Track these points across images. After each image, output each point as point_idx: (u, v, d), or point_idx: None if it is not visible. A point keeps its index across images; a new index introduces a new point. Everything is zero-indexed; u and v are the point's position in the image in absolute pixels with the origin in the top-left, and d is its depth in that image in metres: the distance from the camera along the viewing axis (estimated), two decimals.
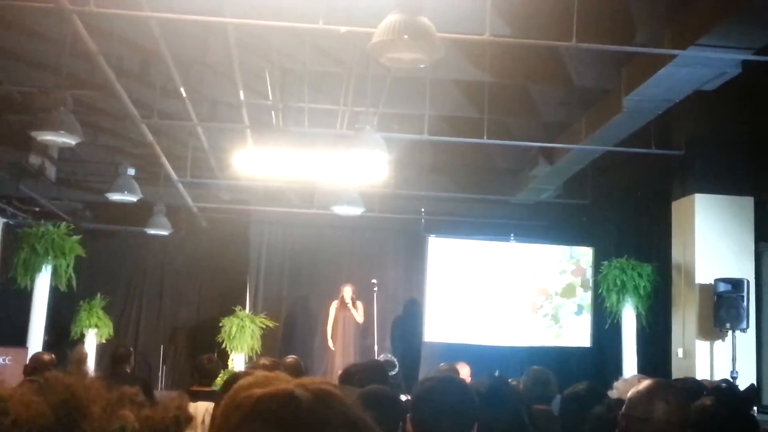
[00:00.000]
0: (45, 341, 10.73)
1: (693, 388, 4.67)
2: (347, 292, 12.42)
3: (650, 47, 7.33)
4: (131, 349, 8.17)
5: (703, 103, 8.87)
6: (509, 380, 7.14)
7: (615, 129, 9.15)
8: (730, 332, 9.37)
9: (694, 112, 9.40)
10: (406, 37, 5.21)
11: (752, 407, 3.43)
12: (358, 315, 12.36)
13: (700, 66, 7.21)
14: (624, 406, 2.83)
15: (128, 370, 7.65)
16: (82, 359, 0.92)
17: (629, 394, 2.86)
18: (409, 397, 3.01)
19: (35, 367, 5.88)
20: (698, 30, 6.66)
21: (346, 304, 12.33)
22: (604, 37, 7.12)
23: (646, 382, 2.84)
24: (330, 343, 12.46)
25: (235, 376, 3.31)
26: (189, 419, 0.85)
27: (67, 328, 12.73)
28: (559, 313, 13.21)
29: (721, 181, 9.87)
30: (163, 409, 0.85)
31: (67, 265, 11.05)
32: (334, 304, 12.49)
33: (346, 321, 12.27)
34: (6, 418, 0.79)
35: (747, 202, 9.90)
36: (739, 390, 5.92)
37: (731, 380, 7.94)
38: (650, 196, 11.63)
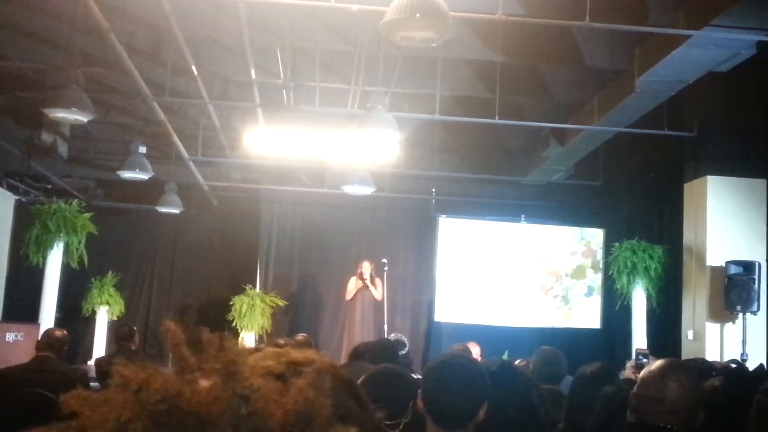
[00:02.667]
0: (57, 318, 10.79)
1: (703, 368, 4.67)
2: (366, 268, 12.26)
3: (664, 27, 7.28)
4: (134, 328, 8.22)
5: (717, 85, 8.82)
6: (519, 361, 7.17)
7: (627, 110, 9.11)
8: (740, 315, 9.35)
9: (708, 93, 9.35)
10: (417, 15, 5.20)
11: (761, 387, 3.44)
12: (377, 292, 12.22)
13: (713, 47, 7.16)
14: (636, 386, 2.83)
15: (132, 347, 7.72)
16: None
17: (641, 373, 2.85)
18: (420, 376, 3.01)
19: (47, 342, 5.91)
20: (712, 10, 6.61)
21: (365, 280, 12.20)
22: (617, 17, 7.07)
23: (658, 362, 2.83)
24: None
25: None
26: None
27: (78, 305, 12.81)
28: (569, 295, 13.20)
29: (733, 163, 9.82)
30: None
31: (79, 242, 11.09)
32: (353, 280, 12.39)
33: (364, 298, 12.20)
34: (243, 406, 0.77)
35: (760, 185, 9.85)
36: (749, 370, 5.92)
37: (740, 361, 7.93)
38: (662, 178, 11.58)
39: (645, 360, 5.57)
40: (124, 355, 6.60)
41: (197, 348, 0.85)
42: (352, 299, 12.25)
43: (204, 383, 0.78)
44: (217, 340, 0.84)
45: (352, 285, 12.31)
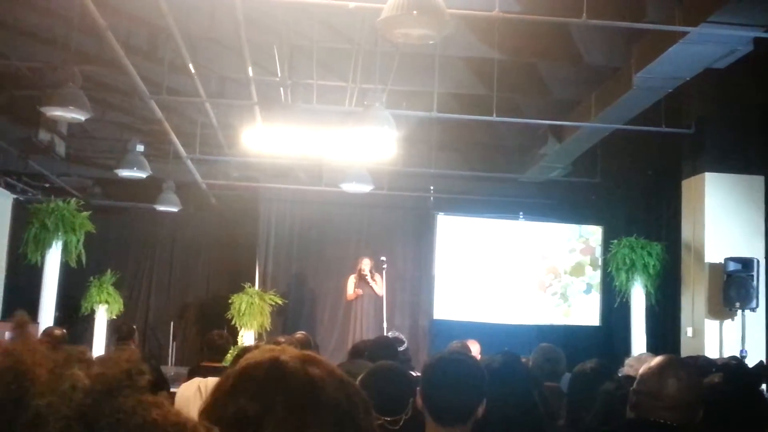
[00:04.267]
0: (56, 317, 10.78)
1: (704, 365, 4.67)
2: (366, 264, 12.20)
3: (661, 24, 7.27)
4: (134, 326, 8.23)
5: (714, 81, 8.82)
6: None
7: (625, 107, 9.10)
8: (739, 311, 9.35)
9: (705, 90, 9.34)
10: (415, 12, 5.19)
11: (761, 384, 3.43)
12: (378, 287, 12.14)
13: (711, 43, 7.15)
14: (635, 382, 2.83)
15: (133, 346, 7.72)
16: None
17: (641, 370, 2.86)
18: (419, 374, 3.01)
19: (47, 341, 5.89)
20: (710, 7, 6.60)
21: (365, 276, 12.13)
22: (614, 14, 7.07)
23: (658, 359, 2.84)
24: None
25: (245, 350, 3.32)
26: (141, 373, 0.84)
27: (77, 304, 12.79)
28: (568, 292, 13.21)
29: (731, 160, 9.81)
30: (114, 364, 0.83)
31: (77, 241, 11.07)
32: (351, 279, 12.35)
33: (364, 295, 12.16)
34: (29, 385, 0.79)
35: (758, 181, 9.84)
36: (748, 367, 5.92)
37: (740, 357, 7.93)
38: (660, 175, 11.58)
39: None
40: None
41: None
42: (352, 298, 12.21)
43: None
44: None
45: (351, 283, 12.27)
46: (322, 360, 1.26)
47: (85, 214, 11.32)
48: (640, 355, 5.29)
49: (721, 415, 3.02)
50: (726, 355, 8.79)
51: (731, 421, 3.13)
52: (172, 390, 4.92)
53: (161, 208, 12.79)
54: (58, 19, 8.06)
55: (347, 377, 1.25)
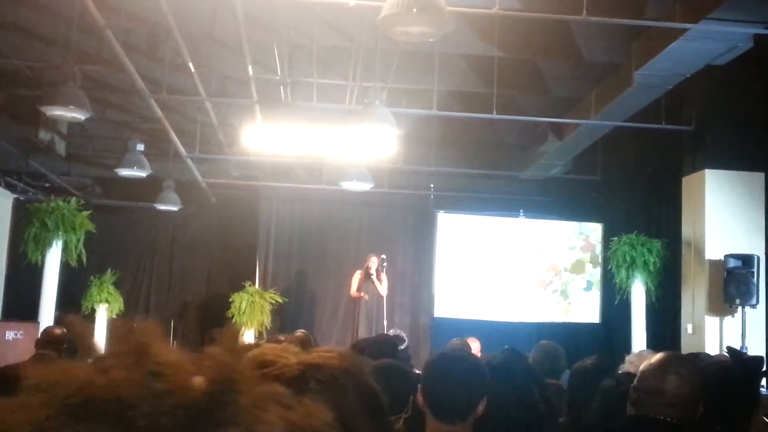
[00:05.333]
0: (56, 316, 10.78)
1: (705, 362, 4.67)
2: (373, 262, 12.04)
3: (661, 21, 7.28)
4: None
5: (714, 78, 8.82)
6: None
7: (625, 104, 9.10)
8: (739, 308, 9.35)
9: (705, 86, 9.34)
10: (414, 10, 5.19)
11: (760, 378, 3.43)
12: (382, 287, 12.01)
13: (711, 40, 7.15)
14: (636, 379, 2.83)
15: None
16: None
17: (641, 366, 2.86)
18: (420, 371, 3.02)
19: (47, 341, 5.91)
20: (709, 3, 6.60)
21: (371, 275, 12.00)
22: (614, 11, 7.07)
23: (658, 355, 2.84)
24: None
25: (245, 349, 3.31)
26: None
27: (78, 303, 12.79)
28: (568, 289, 13.21)
29: (731, 157, 9.81)
30: (308, 415, 0.80)
31: (78, 241, 11.07)
32: (358, 274, 12.21)
33: (368, 293, 12.09)
34: (158, 383, 0.76)
35: (758, 178, 9.84)
36: (748, 362, 5.91)
37: (735, 348, 7.92)
38: (660, 172, 11.58)
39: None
40: None
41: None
42: (356, 295, 12.11)
43: (117, 370, 0.77)
44: (123, 326, 0.83)
45: (356, 280, 12.13)
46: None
47: (85, 213, 11.31)
48: (641, 352, 5.29)
49: (719, 404, 3.02)
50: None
51: (731, 417, 3.13)
52: None
53: (161, 207, 12.80)
54: (58, 18, 8.05)
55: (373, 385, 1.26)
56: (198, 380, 0.74)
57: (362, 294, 11.92)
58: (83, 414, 0.72)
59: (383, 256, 12.36)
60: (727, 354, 4.28)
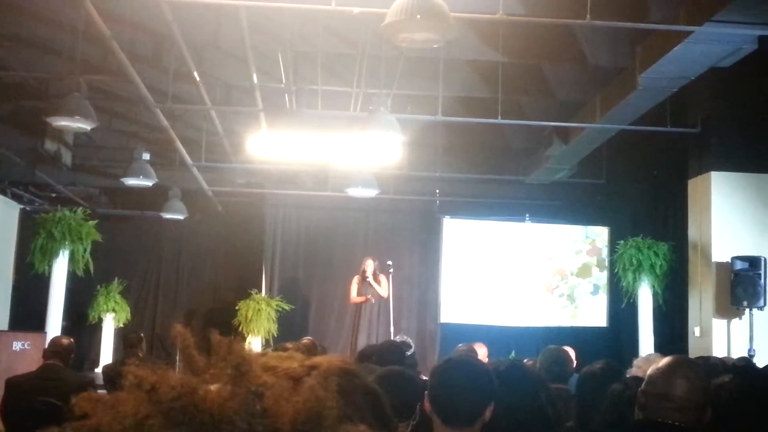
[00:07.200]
0: (63, 326, 10.81)
1: (714, 366, 4.66)
2: (369, 266, 11.83)
3: (665, 24, 7.27)
4: (141, 334, 8.26)
5: (719, 80, 8.80)
6: (525, 360, 7.16)
7: (630, 107, 9.09)
8: (747, 310, 9.33)
9: (710, 89, 9.33)
10: (418, 17, 5.20)
11: None
12: (382, 289, 11.77)
13: (715, 42, 7.14)
14: (644, 383, 2.82)
15: (140, 354, 7.74)
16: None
17: (649, 370, 2.85)
18: (427, 378, 3.02)
19: (54, 350, 5.91)
20: (714, 6, 6.60)
21: (367, 278, 11.79)
22: (618, 15, 7.07)
23: (666, 359, 2.82)
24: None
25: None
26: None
27: (85, 313, 12.82)
28: (575, 293, 13.19)
29: (737, 159, 9.80)
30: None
31: (84, 250, 11.10)
32: (356, 280, 12.03)
33: (370, 295, 11.95)
34: (258, 403, 0.78)
35: (764, 180, 9.83)
36: (757, 367, 5.90)
37: (748, 357, 7.91)
38: (666, 175, 11.57)
39: None
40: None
41: (206, 351, 0.86)
42: (357, 301, 12.03)
43: (217, 383, 0.79)
44: (226, 343, 0.86)
45: (355, 285, 12.00)
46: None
47: (92, 223, 11.35)
48: (648, 355, 5.28)
49: (730, 416, 3.02)
50: (734, 354, 8.78)
51: (741, 422, 3.12)
52: None
53: (167, 215, 12.82)
54: (63, 29, 8.08)
55: (377, 390, 1.26)
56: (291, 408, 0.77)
57: (366, 297, 11.82)
58: (180, 418, 0.75)
59: (389, 262, 12.27)
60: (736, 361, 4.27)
